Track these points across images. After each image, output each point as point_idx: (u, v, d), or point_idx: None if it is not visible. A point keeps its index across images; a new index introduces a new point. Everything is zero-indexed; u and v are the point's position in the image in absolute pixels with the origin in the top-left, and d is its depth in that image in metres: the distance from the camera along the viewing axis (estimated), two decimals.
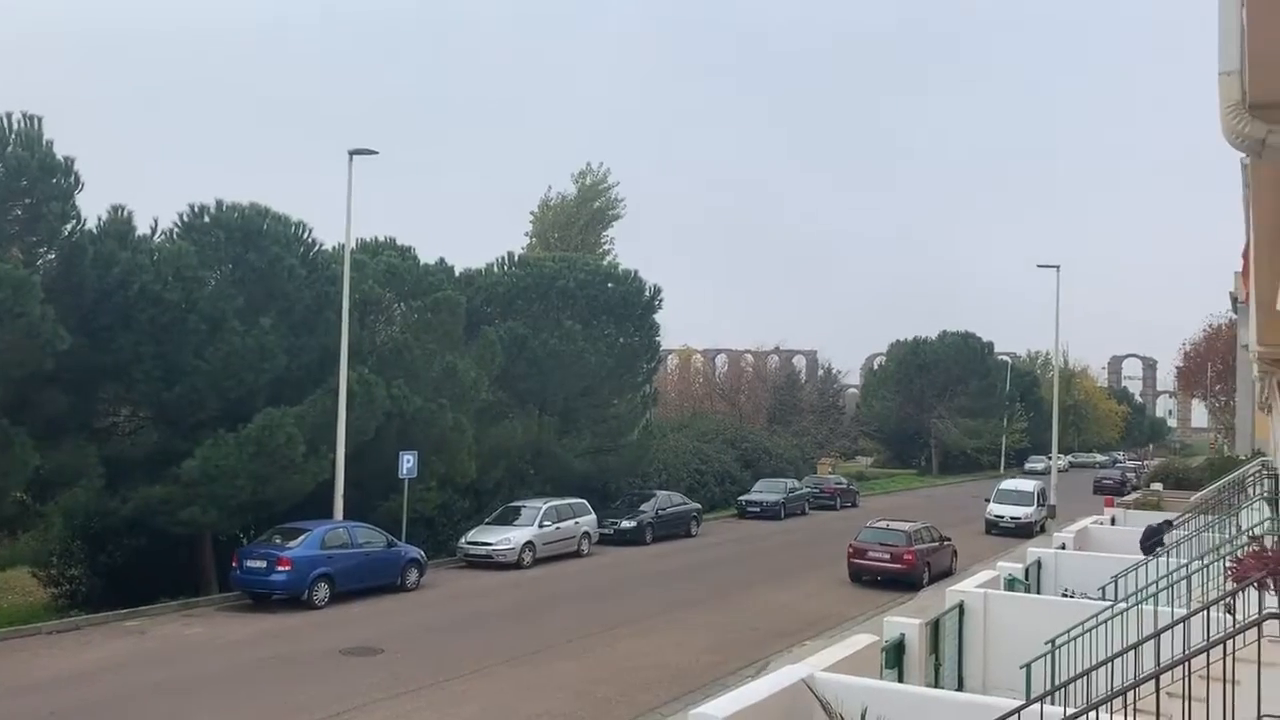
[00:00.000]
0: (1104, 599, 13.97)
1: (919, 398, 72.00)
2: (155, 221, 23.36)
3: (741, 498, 41.83)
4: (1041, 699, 7.36)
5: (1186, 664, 6.33)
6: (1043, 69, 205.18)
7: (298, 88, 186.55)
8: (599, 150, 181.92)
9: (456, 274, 32.16)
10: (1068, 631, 10.89)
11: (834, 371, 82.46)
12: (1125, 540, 22.36)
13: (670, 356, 68.24)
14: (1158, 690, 6.18)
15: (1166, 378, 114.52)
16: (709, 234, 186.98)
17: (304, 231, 25.31)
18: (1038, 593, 17.87)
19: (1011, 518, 36.77)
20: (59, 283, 20.21)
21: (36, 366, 18.97)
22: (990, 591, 14.85)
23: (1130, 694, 6.40)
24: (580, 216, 58.16)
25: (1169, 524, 20.93)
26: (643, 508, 33.33)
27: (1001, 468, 71.68)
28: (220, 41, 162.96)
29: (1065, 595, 17.19)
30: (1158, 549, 18.29)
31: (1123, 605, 11.34)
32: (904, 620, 13.24)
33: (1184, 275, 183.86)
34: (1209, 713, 6.35)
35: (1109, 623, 10.70)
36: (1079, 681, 7.74)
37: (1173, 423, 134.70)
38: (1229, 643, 6.18)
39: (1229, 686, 6.27)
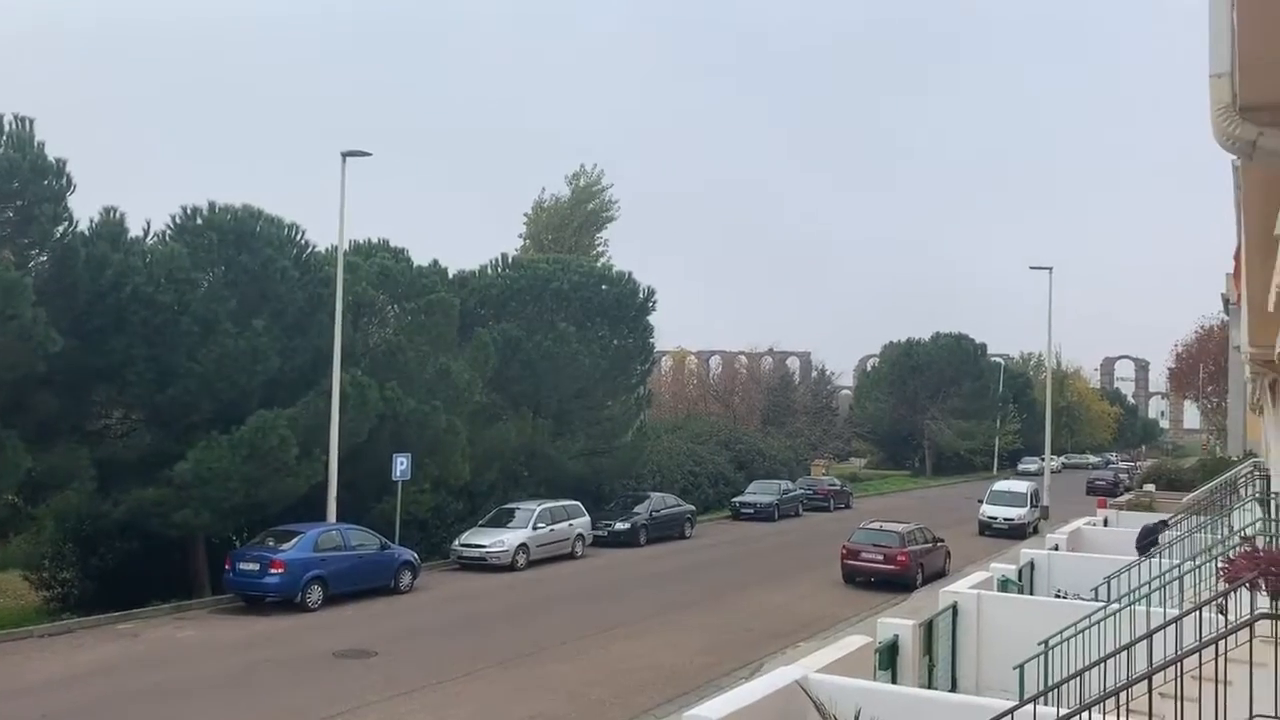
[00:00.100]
0: (1097, 600, 13.99)
1: (912, 399, 72.10)
2: (148, 223, 23.38)
3: (735, 499, 41.85)
4: (1035, 699, 7.39)
5: (1179, 664, 6.36)
6: (1039, 70, 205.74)
7: (292, 88, 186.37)
8: (593, 151, 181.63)
9: (450, 276, 32.11)
10: (1061, 632, 10.91)
11: (828, 373, 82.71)
12: (1118, 541, 22.42)
13: (664, 358, 68.30)
14: (1150, 691, 6.20)
15: (1159, 379, 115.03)
16: (703, 235, 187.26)
17: (297, 233, 25.28)
18: (1031, 594, 17.89)
19: (1005, 519, 36.83)
20: (51, 285, 20.16)
21: (28, 369, 18.91)
22: (983, 592, 14.88)
23: (1123, 694, 6.42)
24: (574, 218, 58.19)
25: (1165, 524, 21.04)
26: (637, 510, 33.32)
27: (995, 469, 71.82)
28: (214, 42, 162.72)
29: (1058, 596, 17.23)
30: (1153, 548, 18.39)
31: (1115, 606, 11.37)
32: (897, 621, 13.25)
33: (1176, 277, 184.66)
34: (1201, 713, 6.37)
35: (1102, 623, 10.72)
36: (1072, 682, 7.75)
37: (1165, 424, 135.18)
38: (1221, 643, 6.20)
39: (1221, 687, 6.29)
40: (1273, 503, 14.08)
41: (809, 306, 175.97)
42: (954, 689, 13.64)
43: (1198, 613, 7.64)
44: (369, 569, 22.59)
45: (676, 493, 37.57)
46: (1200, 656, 6.31)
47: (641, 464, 38.38)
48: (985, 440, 72.96)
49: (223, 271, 23.52)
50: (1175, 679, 6.32)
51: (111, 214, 21.81)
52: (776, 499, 41.59)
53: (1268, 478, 18.44)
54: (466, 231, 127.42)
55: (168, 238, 23.34)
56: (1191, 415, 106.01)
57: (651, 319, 38.92)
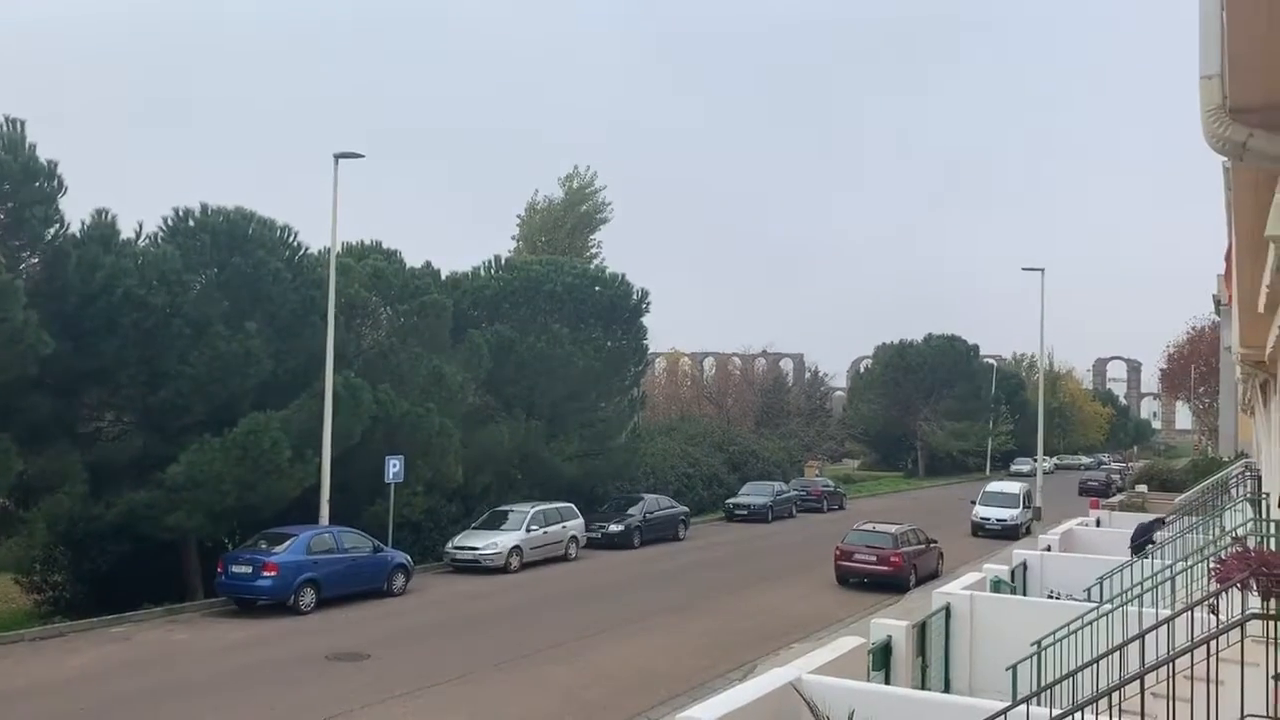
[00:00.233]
0: (1089, 600, 14.03)
1: (905, 400, 72.21)
2: (140, 225, 23.29)
3: (729, 501, 41.87)
4: (1027, 700, 7.39)
5: (1171, 664, 6.36)
6: (1035, 70, 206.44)
7: (285, 89, 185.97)
8: (585, 153, 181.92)
9: (443, 277, 32.11)
10: (1053, 633, 10.93)
11: (821, 374, 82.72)
12: (1110, 542, 22.48)
13: (658, 360, 68.27)
14: (1143, 691, 6.21)
15: (1151, 380, 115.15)
16: (697, 237, 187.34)
17: (289, 235, 25.25)
18: (1023, 594, 17.92)
19: (997, 520, 36.90)
20: (42, 287, 20.11)
21: (20, 371, 18.84)
22: (976, 593, 14.90)
23: (1115, 695, 6.43)
24: (567, 220, 58.20)
25: (1161, 521, 21.15)
26: (630, 511, 33.30)
27: (987, 470, 72.00)
28: (208, 42, 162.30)
29: (1051, 597, 17.27)
30: (1148, 546, 18.48)
31: (1108, 606, 11.38)
32: (891, 622, 13.26)
33: (1168, 278, 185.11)
34: (1193, 713, 6.39)
35: (1094, 624, 10.74)
36: (1065, 683, 7.76)
37: (1157, 424, 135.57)
38: (1213, 643, 6.21)
39: (1213, 687, 6.31)
40: (1264, 503, 14.13)
41: (802, 308, 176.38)
42: (947, 690, 13.66)
43: (1190, 613, 7.65)
44: (362, 572, 22.55)
45: (670, 494, 37.58)
46: (1192, 656, 6.32)
47: (635, 466, 38.39)
48: (978, 441, 73.10)
49: (215, 273, 23.47)
50: (1168, 679, 6.33)
51: (103, 216, 21.74)
52: (770, 500, 41.62)
53: (1259, 478, 18.49)
54: (459, 233, 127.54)
55: (160, 240, 23.27)
56: (1183, 416, 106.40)
57: (645, 321, 39.02)
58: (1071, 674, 7.78)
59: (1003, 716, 7.34)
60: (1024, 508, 38.33)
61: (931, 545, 27.38)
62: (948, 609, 14.36)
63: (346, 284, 25.60)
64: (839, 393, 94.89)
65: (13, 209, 19.44)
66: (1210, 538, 14.32)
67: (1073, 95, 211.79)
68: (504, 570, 26.51)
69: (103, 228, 21.57)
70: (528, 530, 27.86)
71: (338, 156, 24.30)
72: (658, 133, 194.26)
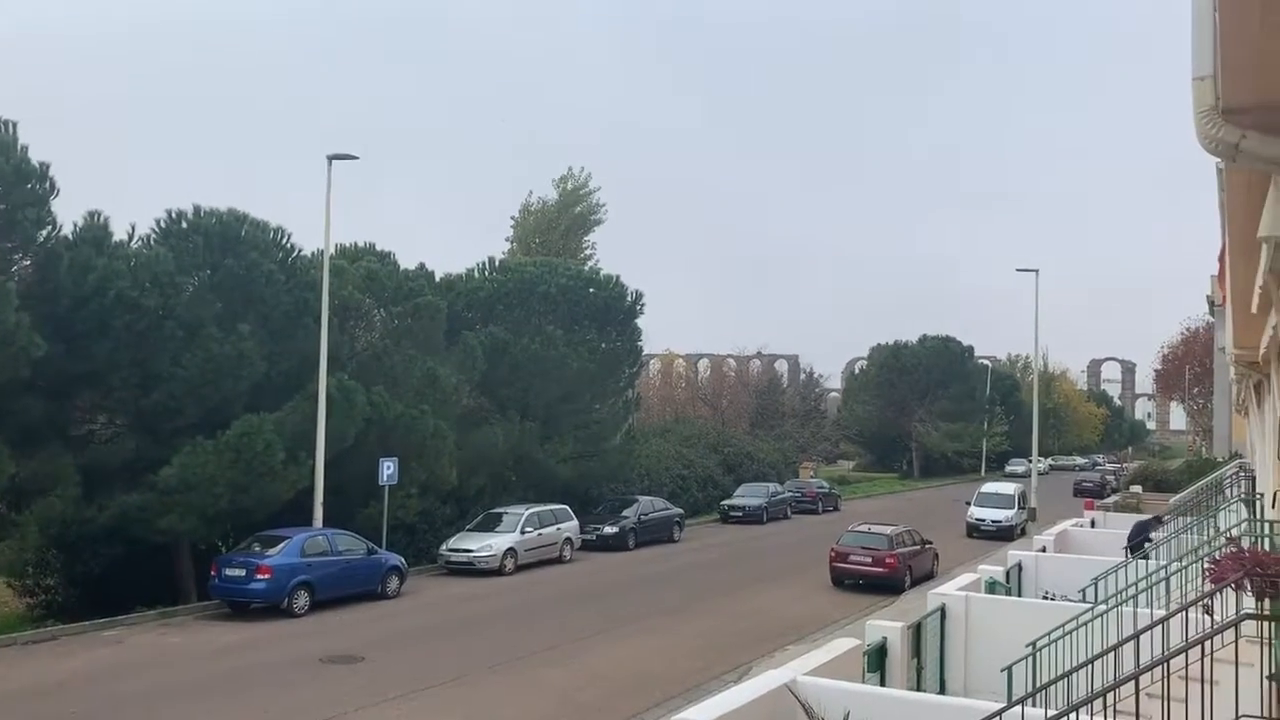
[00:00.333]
0: (1084, 601, 14.03)
1: (900, 401, 72.26)
2: (132, 227, 23.24)
3: (724, 502, 41.85)
4: (1023, 701, 7.39)
5: (1165, 665, 6.37)
6: (1034, 70, 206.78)
7: (278, 90, 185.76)
8: (579, 154, 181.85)
9: (437, 279, 32.07)
10: (1048, 634, 10.93)
11: (815, 376, 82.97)
12: (1105, 542, 22.51)
13: (652, 361, 68.28)
14: (1137, 691, 6.21)
15: (1145, 380, 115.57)
16: (691, 238, 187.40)
17: (283, 237, 25.23)
18: (1018, 595, 17.93)
19: (992, 521, 36.94)
20: (34, 289, 20.06)
21: (12, 374, 18.78)
22: (971, 594, 14.90)
23: (1110, 695, 6.43)
24: (561, 221, 58.18)
25: (1159, 520, 21.22)
26: (625, 513, 33.27)
27: (982, 471, 72.04)
28: (201, 43, 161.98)
29: (1046, 598, 17.28)
30: (1146, 544, 18.54)
31: (1103, 607, 11.40)
32: (886, 624, 13.25)
33: (1163, 279, 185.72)
34: (1188, 713, 6.38)
35: (1089, 625, 10.75)
36: (1060, 683, 7.77)
37: (1151, 425, 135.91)
38: (1207, 643, 6.21)
39: (1207, 687, 6.30)
40: (1258, 503, 14.15)
41: (797, 309, 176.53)
42: (942, 691, 13.66)
43: (1184, 613, 7.65)
44: (356, 574, 22.50)
45: (665, 496, 37.56)
46: (1187, 657, 6.32)
47: (630, 467, 38.37)
48: (973, 442, 73.20)
49: (208, 275, 23.41)
50: (1162, 679, 6.33)
51: (95, 218, 21.70)
52: (765, 502, 41.62)
53: (1253, 478, 18.53)
54: (453, 235, 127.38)
55: (152, 242, 23.21)
56: (1178, 416, 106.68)
57: (639, 322, 39.03)
58: (1066, 675, 7.79)
59: (998, 717, 7.34)
60: (1019, 509, 38.37)
61: (926, 546, 27.39)
62: (943, 610, 14.36)
63: (340, 286, 25.56)
64: (834, 394, 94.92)
65: (5, 211, 19.38)
66: (1205, 538, 14.34)
67: (1069, 95, 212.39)
68: (498, 572, 26.47)
69: (95, 230, 21.53)
70: (522, 532, 27.82)
71: (331, 158, 24.26)
72: (652, 133, 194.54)
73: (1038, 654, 10.74)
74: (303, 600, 20.99)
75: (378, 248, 30.11)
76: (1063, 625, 10.94)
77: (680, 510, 36.49)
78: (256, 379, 22.97)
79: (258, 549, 21.37)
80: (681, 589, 25.01)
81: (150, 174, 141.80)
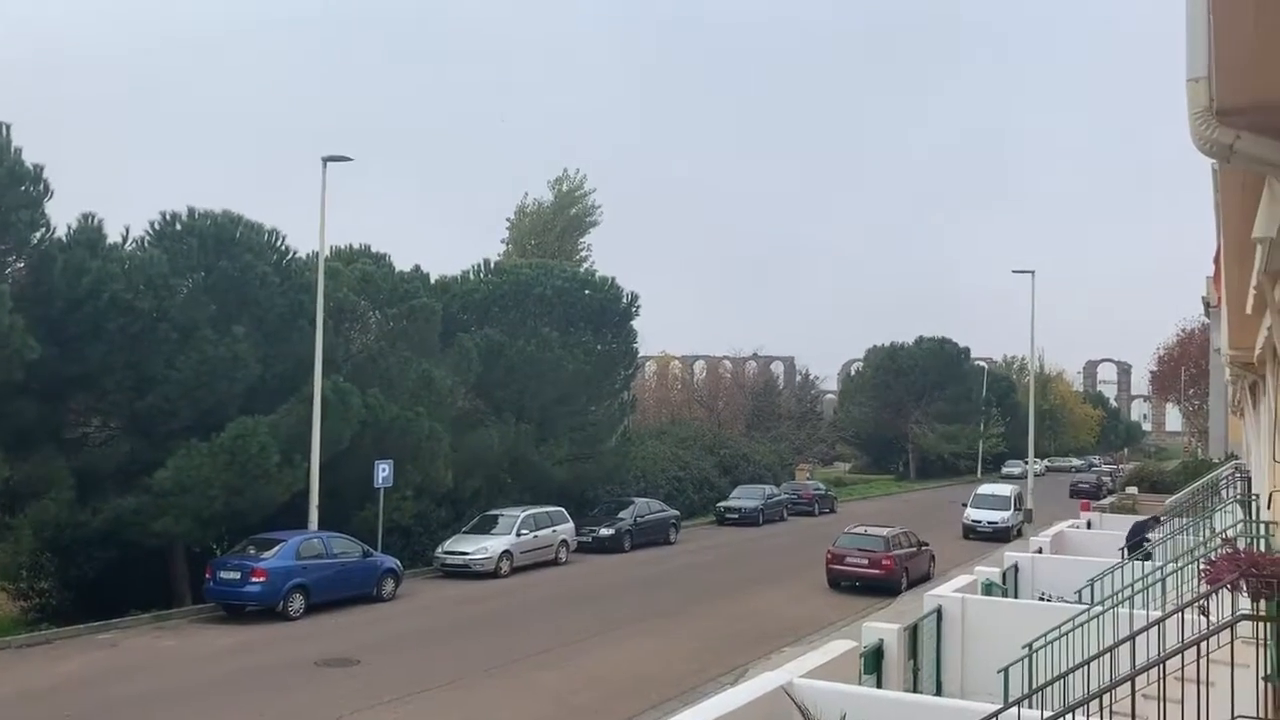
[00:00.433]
0: (1080, 602, 14.03)
1: (896, 403, 72.32)
2: (126, 229, 23.19)
3: (720, 504, 41.83)
4: (1019, 702, 7.39)
5: (1161, 666, 6.37)
6: (1033, 71, 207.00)
7: (272, 90, 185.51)
8: (573, 155, 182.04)
9: (432, 281, 32.05)
10: (1044, 635, 10.93)
11: (812, 377, 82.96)
12: (1101, 544, 22.54)
13: (648, 363, 68.30)
14: (1133, 692, 6.21)
15: (1141, 382, 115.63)
16: (686, 239, 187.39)
17: (277, 239, 25.19)
18: (1015, 597, 17.94)
19: (989, 522, 36.94)
20: (28, 292, 20.00)
21: (6, 376, 18.73)
22: (968, 596, 14.91)
23: (1107, 696, 6.43)
24: (557, 223, 58.24)
25: (1157, 520, 21.27)
26: (621, 515, 33.25)
27: (978, 472, 72.10)
28: (200, 43, 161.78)
29: (1042, 599, 17.27)
30: (1144, 543, 18.59)
31: (1099, 608, 11.40)
32: (882, 625, 13.25)
33: (1158, 280, 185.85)
34: (1184, 714, 6.38)
35: (1085, 626, 10.75)
36: (1056, 685, 7.76)
37: (1147, 426, 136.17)
38: (1203, 644, 6.21)
39: (1203, 688, 6.30)
40: (1253, 504, 14.17)
41: (794, 310, 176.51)
42: (939, 693, 13.65)
43: (1180, 614, 7.65)
44: (351, 577, 22.45)
45: (661, 498, 37.55)
46: (1183, 658, 6.32)
47: (626, 469, 38.35)
48: (969, 444, 73.27)
49: (202, 278, 23.36)
50: (1158, 680, 6.33)
51: (89, 220, 21.65)
52: (761, 504, 41.59)
53: (1249, 479, 18.56)
54: (454, 235, 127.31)
55: (146, 244, 23.17)
56: (1173, 418, 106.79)
57: (635, 324, 39.02)
58: (1063, 676, 7.78)
59: (994, 719, 7.33)
60: (1015, 510, 38.37)
61: (923, 548, 27.40)
62: (939, 612, 14.35)
63: (335, 288, 25.53)
64: (830, 395, 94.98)
65: None
66: (1200, 539, 14.36)
67: (1065, 96, 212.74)
68: (494, 575, 26.44)
69: (89, 232, 21.48)
70: (518, 534, 27.79)
71: (326, 160, 24.23)
72: (652, 134, 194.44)
73: (1034, 655, 10.73)
74: (298, 603, 20.94)
75: (373, 249, 30.13)
76: (1059, 626, 10.94)
77: (676, 512, 36.46)
78: (251, 381, 22.92)
79: (253, 552, 21.31)
80: (677, 591, 24.99)
81: (150, 175, 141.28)
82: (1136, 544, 19.26)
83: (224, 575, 20.86)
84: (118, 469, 21.75)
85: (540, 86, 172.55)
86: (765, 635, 19.76)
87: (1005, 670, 10.74)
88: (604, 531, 32.00)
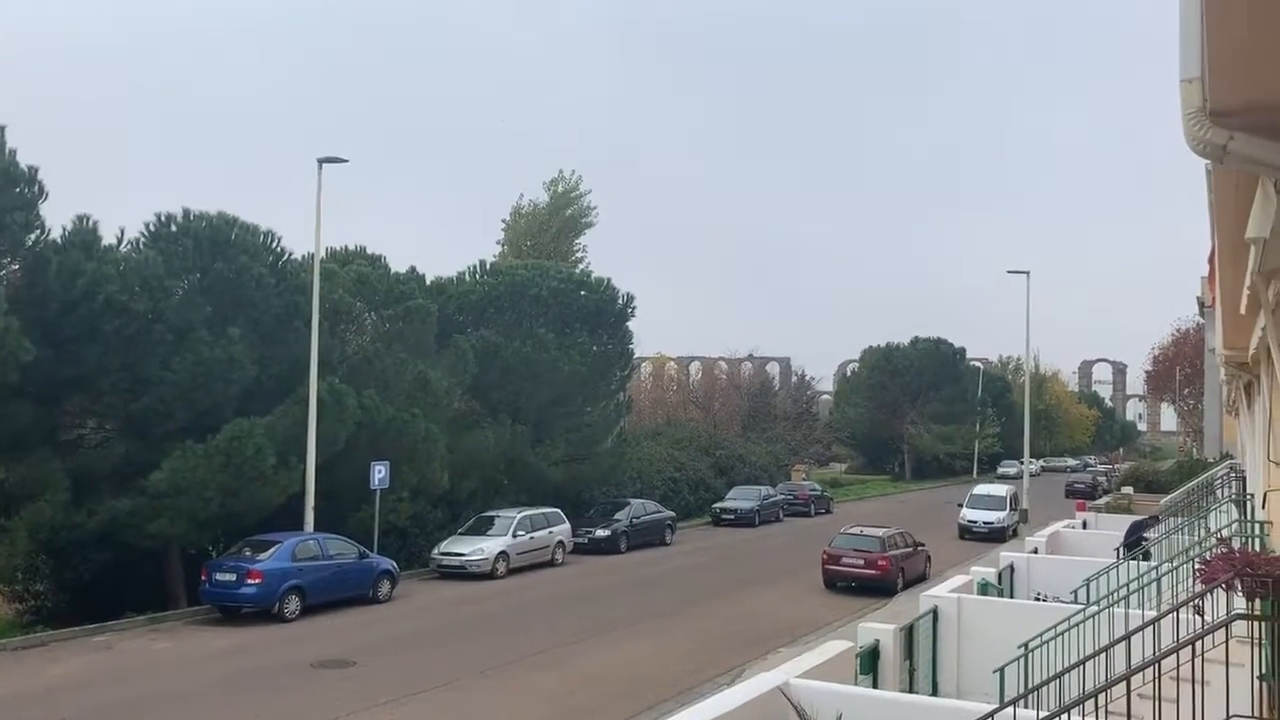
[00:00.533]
0: (1076, 602, 14.06)
1: (892, 404, 72.35)
2: (121, 231, 23.12)
3: (716, 505, 41.83)
4: (1015, 702, 7.40)
5: (1157, 665, 6.37)
6: (1031, 71, 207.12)
7: (267, 91, 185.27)
8: (569, 155, 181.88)
9: (428, 283, 32.04)
10: (1040, 635, 10.94)
11: (807, 378, 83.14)
12: (1097, 544, 22.58)
13: (644, 364, 68.29)
14: (1129, 692, 6.22)
15: (1136, 382, 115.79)
16: (682, 240, 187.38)
17: (273, 240, 25.17)
18: (1010, 597, 17.96)
19: (984, 522, 36.96)
20: (23, 294, 19.97)
21: (0, 379, 18.68)
22: (964, 596, 14.93)
23: (1102, 696, 6.44)
24: (552, 224, 58.20)
25: (1156, 519, 21.31)
26: (617, 516, 33.26)
27: (974, 473, 72.17)
28: (200, 43, 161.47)
29: (1038, 599, 17.31)
30: (1143, 541, 18.63)
31: (1094, 608, 11.42)
32: (878, 626, 13.26)
33: (1154, 280, 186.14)
34: (1179, 713, 6.40)
35: (1081, 626, 10.76)
36: (1052, 684, 7.77)
37: (1142, 426, 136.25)
38: (1198, 644, 6.22)
39: (1198, 687, 6.32)
40: (1248, 504, 14.20)
41: (788, 311, 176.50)
42: (935, 693, 13.67)
43: (1175, 614, 7.67)
44: (347, 578, 22.43)
45: (657, 499, 37.55)
46: (1178, 657, 6.33)
47: (622, 470, 38.35)
48: (965, 444, 73.31)
49: (197, 279, 23.34)
50: (1154, 680, 6.34)
51: (84, 222, 21.59)
52: (757, 504, 41.59)
53: (1243, 479, 18.60)
54: (444, 237, 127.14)
55: (141, 245, 23.13)
56: (1168, 418, 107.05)
57: (631, 325, 39.01)
58: (1058, 676, 7.79)
59: (990, 719, 7.34)
60: (1011, 510, 38.40)
61: (919, 548, 27.43)
62: (935, 612, 14.37)
63: (331, 289, 25.52)
64: (825, 396, 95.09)
65: None
66: (1196, 539, 14.39)
67: (1065, 96, 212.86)
68: (490, 576, 26.42)
69: (84, 233, 21.43)
70: (514, 536, 27.78)
71: (321, 161, 24.22)
72: (651, 134, 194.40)
73: (1030, 655, 10.75)
74: (294, 605, 20.91)
75: (369, 251, 30.12)
76: (1055, 626, 10.96)
77: (672, 513, 36.47)
78: (247, 383, 22.90)
79: (248, 553, 21.28)
80: (674, 592, 25.00)
81: (150, 175, 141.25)
82: (1134, 542, 19.30)
83: (219, 577, 20.84)
84: (113, 471, 21.72)
85: (540, 86, 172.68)
86: (761, 636, 19.76)
87: (1001, 670, 10.76)
88: (600, 533, 32.00)
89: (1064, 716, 6.75)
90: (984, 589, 16.71)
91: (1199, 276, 34.38)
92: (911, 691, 12.79)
